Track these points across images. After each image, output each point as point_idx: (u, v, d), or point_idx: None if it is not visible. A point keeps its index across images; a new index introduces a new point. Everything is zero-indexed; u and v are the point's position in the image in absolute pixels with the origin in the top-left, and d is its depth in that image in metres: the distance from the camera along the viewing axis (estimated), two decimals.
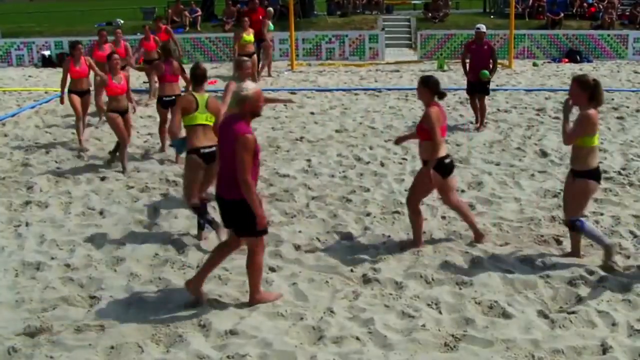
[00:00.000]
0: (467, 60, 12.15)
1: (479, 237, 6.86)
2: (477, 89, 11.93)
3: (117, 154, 9.85)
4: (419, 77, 6.79)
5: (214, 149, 6.61)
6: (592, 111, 5.98)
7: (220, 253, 5.79)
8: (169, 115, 9.05)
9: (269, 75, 18.05)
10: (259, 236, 5.52)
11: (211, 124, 6.96)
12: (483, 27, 11.94)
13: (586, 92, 6.04)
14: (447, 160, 6.54)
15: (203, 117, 6.94)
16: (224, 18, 24.20)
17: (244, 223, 5.40)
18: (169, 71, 10.27)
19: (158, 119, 10.72)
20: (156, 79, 11.63)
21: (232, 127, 5.26)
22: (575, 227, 6.23)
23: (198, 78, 7.06)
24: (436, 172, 6.44)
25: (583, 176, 6.11)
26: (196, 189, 6.92)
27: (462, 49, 12.68)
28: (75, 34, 23.79)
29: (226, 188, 5.41)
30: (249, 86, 5.36)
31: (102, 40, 13.63)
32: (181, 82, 10.56)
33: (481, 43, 11.85)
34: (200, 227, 7.13)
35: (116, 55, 9.81)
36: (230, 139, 5.24)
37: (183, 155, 7.59)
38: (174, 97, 10.00)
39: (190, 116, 6.92)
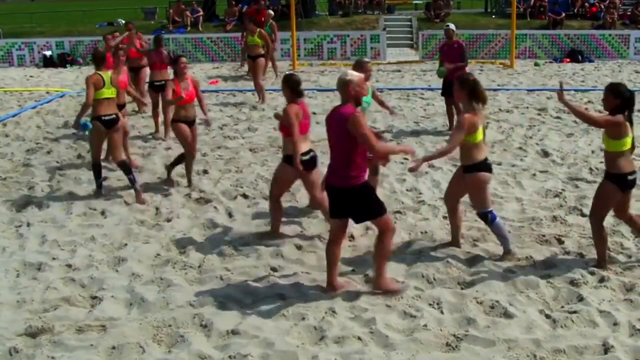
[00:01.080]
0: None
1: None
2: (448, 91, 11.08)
3: (176, 165, 8.97)
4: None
5: (114, 117, 8.37)
6: (467, 115, 6.16)
7: (333, 247, 5.81)
8: (159, 100, 11.09)
9: (276, 75, 17.94)
10: (383, 215, 5.62)
11: (114, 96, 8.47)
12: (452, 26, 11.75)
13: (464, 90, 6.22)
14: (308, 157, 6.77)
15: (109, 92, 8.33)
16: (225, 18, 24.22)
17: (365, 207, 5.55)
18: (159, 60, 11.74)
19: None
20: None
21: (339, 113, 5.45)
22: (486, 219, 6.43)
23: (99, 60, 8.43)
24: (302, 165, 6.64)
25: (471, 170, 6.30)
26: (99, 149, 8.62)
27: (439, 55, 11.98)
28: (76, 35, 23.85)
29: (337, 177, 5.53)
30: (353, 72, 5.60)
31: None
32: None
33: (451, 42, 11.51)
34: (135, 189, 8.38)
35: (184, 59, 8.73)
36: (339, 125, 5.40)
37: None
38: (163, 82, 10.57)
39: (99, 91, 8.24)
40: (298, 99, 6.78)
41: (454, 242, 6.83)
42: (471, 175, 6.33)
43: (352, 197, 5.53)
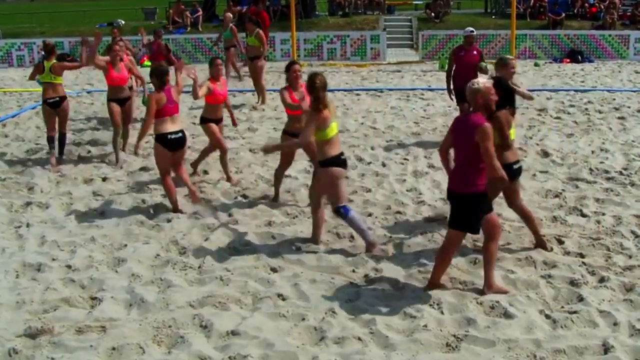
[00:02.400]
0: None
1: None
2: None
3: (201, 161, 9.35)
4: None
5: (57, 99, 9.82)
6: (317, 112, 6.39)
7: (446, 252, 5.76)
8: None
9: (239, 78, 17.75)
10: (465, 231, 5.63)
11: (56, 82, 9.85)
12: (473, 30, 10.96)
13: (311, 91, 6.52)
14: (171, 137, 7.60)
15: (48, 78, 9.82)
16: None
17: (468, 218, 5.52)
18: (157, 51, 13.93)
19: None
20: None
21: (469, 121, 5.44)
22: (340, 214, 6.57)
23: (48, 51, 10.06)
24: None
25: (325, 165, 6.49)
26: (52, 126, 9.95)
27: (450, 58, 10.95)
28: (76, 35, 23.80)
29: (459, 182, 5.51)
30: (480, 80, 5.56)
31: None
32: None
33: (470, 48, 10.70)
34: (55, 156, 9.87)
35: (219, 60, 8.94)
36: (467, 133, 5.39)
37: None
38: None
39: (40, 76, 9.92)
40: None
41: (314, 239, 6.91)
42: (325, 170, 6.51)
43: (469, 203, 5.48)
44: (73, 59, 22.22)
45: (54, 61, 9.87)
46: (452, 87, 10.73)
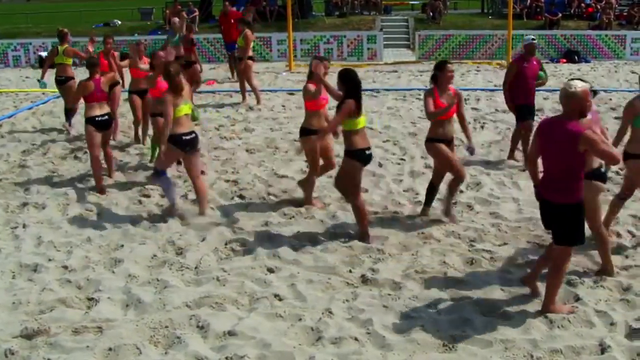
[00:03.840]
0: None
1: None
2: (532, 113, 9.69)
3: None
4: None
5: (63, 78, 11.51)
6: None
7: (559, 271, 5.37)
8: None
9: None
10: (573, 245, 5.29)
11: (65, 62, 11.58)
12: (534, 38, 9.71)
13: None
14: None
15: (60, 59, 11.41)
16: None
17: (575, 229, 5.19)
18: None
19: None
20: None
21: (566, 129, 5.01)
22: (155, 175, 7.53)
23: (62, 37, 11.52)
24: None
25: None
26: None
27: (511, 70, 9.60)
28: (73, 35, 23.73)
29: (555, 192, 5.18)
30: (577, 84, 5.08)
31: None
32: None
33: (531, 58, 9.54)
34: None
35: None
36: (564, 142, 5.00)
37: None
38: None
39: (55, 58, 11.53)
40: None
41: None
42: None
43: (575, 213, 5.16)
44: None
45: (67, 45, 11.64)
46: (511, 101, 9.58)
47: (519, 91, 9.42)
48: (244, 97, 14.51)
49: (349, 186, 6.87)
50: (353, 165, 6.78)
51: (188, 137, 7.49)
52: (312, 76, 7.73)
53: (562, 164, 5.11)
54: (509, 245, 6.81)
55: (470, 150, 7.70)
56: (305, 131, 7.77)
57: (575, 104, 5.04)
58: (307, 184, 8.03)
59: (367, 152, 6.82)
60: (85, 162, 10.13)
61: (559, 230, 5.25)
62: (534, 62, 9.53)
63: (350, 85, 6.87)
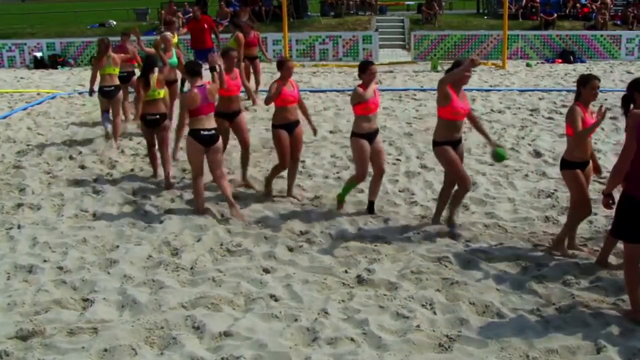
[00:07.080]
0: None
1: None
2: None
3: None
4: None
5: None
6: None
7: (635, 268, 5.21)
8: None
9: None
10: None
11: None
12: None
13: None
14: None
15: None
16: (217, 19, 24.16)
17: None
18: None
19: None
20: None
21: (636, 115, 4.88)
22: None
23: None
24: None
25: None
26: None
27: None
28: (68, 35, 23.76)
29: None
30: None
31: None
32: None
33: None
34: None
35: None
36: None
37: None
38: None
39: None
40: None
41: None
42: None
43: None
44: (64, 60, 22.18)
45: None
46: None
47: None
48: (253, 99, 14.27)
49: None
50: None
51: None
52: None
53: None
54: (504, 245, 6.81)
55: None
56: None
57: None
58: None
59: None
60: (79, 163, 10.11)
61: None
62: None
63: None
